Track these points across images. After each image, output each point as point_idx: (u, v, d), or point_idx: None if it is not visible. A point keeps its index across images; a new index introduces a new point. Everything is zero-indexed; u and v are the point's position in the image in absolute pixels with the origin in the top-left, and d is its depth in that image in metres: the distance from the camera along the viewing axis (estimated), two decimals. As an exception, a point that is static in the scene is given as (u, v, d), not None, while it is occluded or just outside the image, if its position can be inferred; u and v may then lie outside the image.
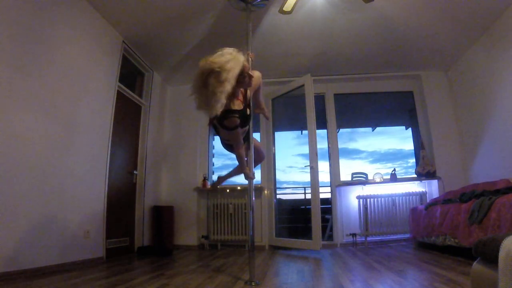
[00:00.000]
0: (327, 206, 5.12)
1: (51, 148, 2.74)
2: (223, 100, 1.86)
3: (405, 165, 5.66)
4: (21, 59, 2.47)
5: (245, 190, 4.57)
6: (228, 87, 1.85)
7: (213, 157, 5.29)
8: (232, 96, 2.04)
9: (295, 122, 6.09)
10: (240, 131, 2.17)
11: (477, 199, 2.73)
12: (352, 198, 4.56)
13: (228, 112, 2.05)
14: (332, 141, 4.81)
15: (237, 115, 2.08)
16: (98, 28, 3.39)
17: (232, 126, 2.09)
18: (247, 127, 2.32)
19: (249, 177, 2.40)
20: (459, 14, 3.46)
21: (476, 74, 4.09)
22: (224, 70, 1.85)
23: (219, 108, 1.87)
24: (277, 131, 5.16)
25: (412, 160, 5.16)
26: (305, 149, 4.23)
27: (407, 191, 4.45)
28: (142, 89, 4.54)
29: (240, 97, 2.18)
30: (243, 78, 2.02)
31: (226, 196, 4.68)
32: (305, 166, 4.20)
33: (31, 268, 2.41)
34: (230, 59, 1.90)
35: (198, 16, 3.45)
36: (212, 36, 3.81)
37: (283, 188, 7.30)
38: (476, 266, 1.22)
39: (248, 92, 2.27)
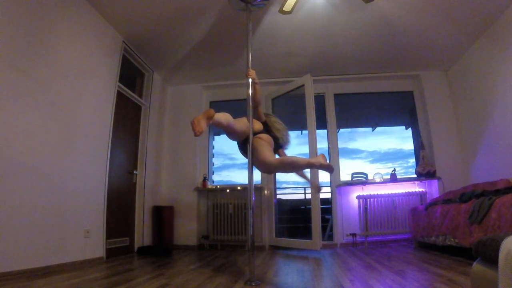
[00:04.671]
0: (327, 206, 5.13)
1: (51, 148, 2.74)
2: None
3: (405, 165, 5.66)
4: (21, 59, 2.47)
5: (245, 190, 4.58)
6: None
7: (213, 157, 5.30)
8: None
9: (295, 122, 6.09)
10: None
11: (477, 199, 2.73)
12: (352, 198, 4.56)
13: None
14: (332, 141, 4.81)
15: None
16: (98, 28, 3.39)
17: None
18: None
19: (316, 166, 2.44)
20: (459, 14, 3.46)
21: (476, 74, 4.09)
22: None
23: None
24: (277, 131, 5.15)
25: (412, 160, 5.16)
26: (305, 149, 4.23)
27: (407, 191, 4.45)
28: (142, 89, 4.53)
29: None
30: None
31: (226, 196, 4.68)
32: (305, 166, 4.19)
33: (31, 268, 2.41)
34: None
35: (198, 16, 3.46)
36: (212, 36, 3.81)
37: (283, 188, 7.30)
38: (476, 266, 1.22)
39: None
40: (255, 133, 2.56)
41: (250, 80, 2.62)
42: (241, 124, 2.53)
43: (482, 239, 1.22)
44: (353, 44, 4.08)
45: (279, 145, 2.75)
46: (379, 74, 4.87)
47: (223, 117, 2.35)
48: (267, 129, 2.73)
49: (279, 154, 2.84)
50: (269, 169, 2.49)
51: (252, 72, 2.63)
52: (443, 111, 4.66)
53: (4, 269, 2.20)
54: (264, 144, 2.50)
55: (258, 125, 2.67)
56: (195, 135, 2.13)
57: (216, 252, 4.15)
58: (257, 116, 2.76)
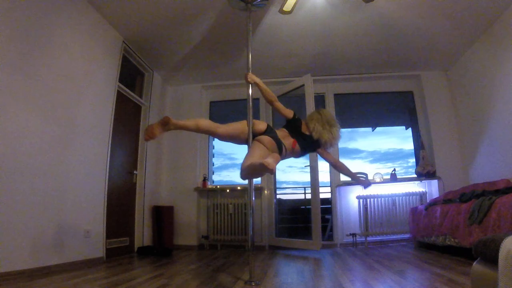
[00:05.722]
0: (327, 206, 5.12)
1: (51, 148, 2.74)
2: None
3: (405, 165, 5.66)
4: (21, 59, 2.47)
5: (245, 190, 4.58)
6: None
7: (213, 157, 5.30)
8: None
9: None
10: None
11: (477, 199, 2.73)
12: (352, 198, 4.56)
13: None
14: (332, 141, 4.80)
15: None
16: (98, 28, 3.39)
17: None
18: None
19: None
20: (459, 14, 3.46)
21: (476, 74, 4.09)
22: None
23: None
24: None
25: (412, 160, 5.16)
26: (305, 149, 4.22)
27: (407, 191, 4.45)
28: (142, 89, 4.54)
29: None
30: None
31: (226, 196, 4.68)
32: (305, 166, 4.20)
33: (31, 268, 2.41)
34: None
35: (198, 16, 3.46)
36: (212, 36, 3.81)
37: (283, 188, 7.30)
38: (476, 266, 1.22)
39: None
40: (255, 134, 2.37)
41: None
42: (228, 128, 2.34)
43: (482, 239, 1.22)
44: (353, 44, 4.08)
45: (316, 144, 2.52)
46: (379, 74, 4.87)
47: (189, 122, 2.24)
48: (297, 124, 2.49)
49: (320, 154, 2.62)
50: (242, 174, 2.10)
51: (251, 77, 2.48)
52: (443, 111, 4.66)
53: (4, 269, 2.20)
54: (257, 148, 2.19)
55: (260, 126, 2.42)
56: (144, 140, 2.20)
57: (216, 252, 4.15)
58: (283, 113, 2.54)
